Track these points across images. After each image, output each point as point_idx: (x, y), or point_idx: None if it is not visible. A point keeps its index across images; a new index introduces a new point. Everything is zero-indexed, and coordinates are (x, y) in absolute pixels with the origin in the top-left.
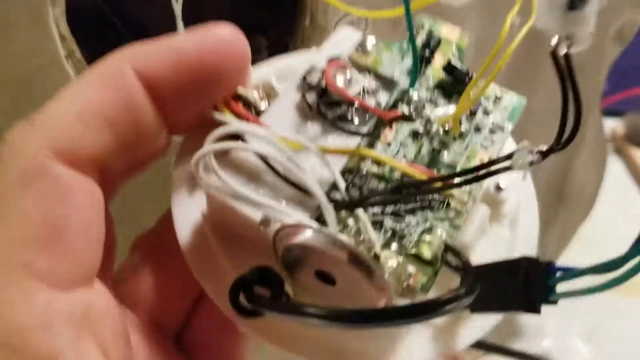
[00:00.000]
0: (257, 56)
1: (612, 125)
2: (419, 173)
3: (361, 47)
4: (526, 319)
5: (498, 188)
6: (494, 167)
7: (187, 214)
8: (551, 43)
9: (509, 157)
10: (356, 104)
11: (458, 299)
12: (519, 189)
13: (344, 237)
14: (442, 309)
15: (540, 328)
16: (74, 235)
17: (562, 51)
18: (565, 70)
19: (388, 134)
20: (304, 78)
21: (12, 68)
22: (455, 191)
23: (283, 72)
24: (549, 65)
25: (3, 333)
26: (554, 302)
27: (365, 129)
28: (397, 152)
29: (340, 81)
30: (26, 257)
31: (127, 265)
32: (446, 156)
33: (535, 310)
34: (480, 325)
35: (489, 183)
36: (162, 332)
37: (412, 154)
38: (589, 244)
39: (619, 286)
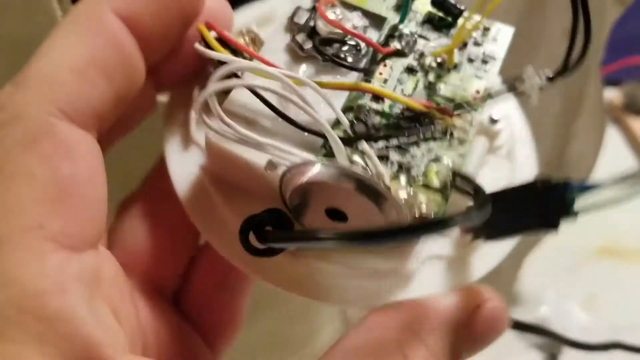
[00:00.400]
0: None
1: (610, 94)
2: (421, 105)
3: None
4: (524, 286)
5: (492, 120)
6: (505, 93)
7: (183, 168)
8: None
9: (518, 80)
10: (352, 41)
11: (469, 213)
12: (512, 122)
13: (349, 166)
14: (452, 222)
15: (539, 295)
16: (82, 195)
17: None
18: None
19: (383, 70)
20: (292, 19)
21: (10, 29)
22: (457, 121)
23: (264, 17)
24: (550, 28)
25: (16, 296)
26: (575, 215)
27: (360, 66)
28: (394, 89)
29: (331, 17)
30: (38, 218)
31: (116, 230)
32: (443, 89)
33: (555, 225)
34: (493, 254)
35: (483, 116)
36: (159, 294)
37: (410, 89)
38: None
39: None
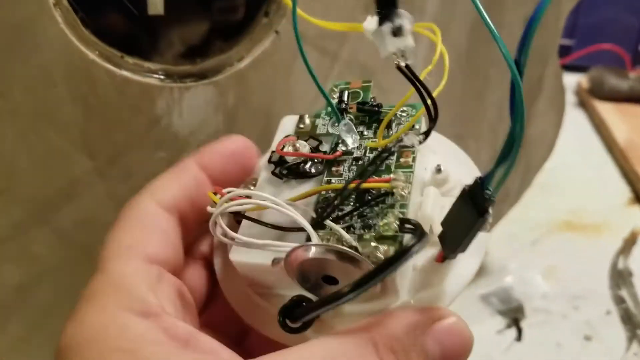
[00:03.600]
0: (234, 15)
1: (577, 79)
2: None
3: (301, 121)
4: (491, 258)
5: (438, 170)
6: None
7: (231, 284)
8: (394, 61)
9: (400, 140)
10: (306, 161)
11: (412, 247)
12: (459, 168)
13: (325, 243)
14: (403, 258)
15: (504, 267)
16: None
17: (403, 64)
18: (411, 75)
19: (338, 168)
20: (269, 159)
21: (4, 16)
22: (398, 184)
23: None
24: (510, 17)
25: None
26: (493, 199)
27: (317, 171)
28: (347, 176)
29: (289, 149)
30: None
31: None
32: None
33: (485, 212)
34: (463, 274)
35: (429, 172)
36: None
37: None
38: (551, 188)
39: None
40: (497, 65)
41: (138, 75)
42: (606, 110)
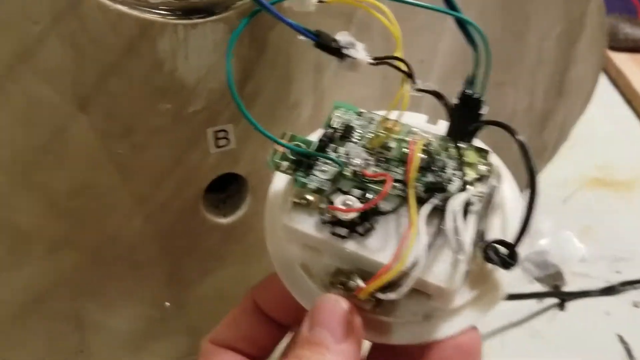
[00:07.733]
0: None
1: None
2: None
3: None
4: None
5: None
6: None
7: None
8: None
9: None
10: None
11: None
12: None
13: None
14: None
15: (536, 228)
16: None
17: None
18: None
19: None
20: (323, 220)
21: None
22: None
23: None
24: None
25: None
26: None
27: (389, 206)
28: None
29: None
30: None
31: None
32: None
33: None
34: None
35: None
36: None
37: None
38: (574, 144)
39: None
40: (536, 0)
41: (135, 10)
42: (622, 60)
